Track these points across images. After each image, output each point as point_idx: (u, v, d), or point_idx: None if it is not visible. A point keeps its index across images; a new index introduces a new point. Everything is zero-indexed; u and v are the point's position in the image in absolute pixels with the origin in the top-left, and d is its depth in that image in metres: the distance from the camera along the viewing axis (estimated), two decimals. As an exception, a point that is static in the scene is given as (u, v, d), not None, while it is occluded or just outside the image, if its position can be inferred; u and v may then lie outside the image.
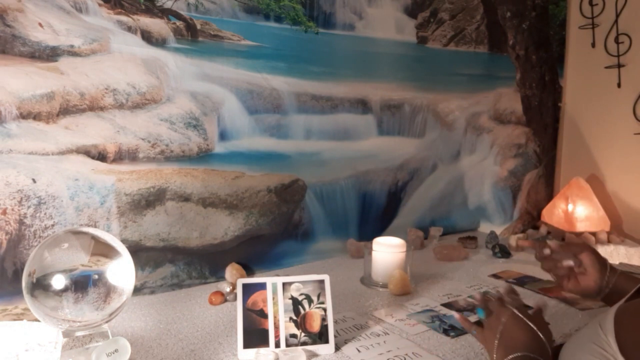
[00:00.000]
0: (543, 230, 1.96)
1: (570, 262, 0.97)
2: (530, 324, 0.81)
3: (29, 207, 1.09)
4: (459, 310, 1.14)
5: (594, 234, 1.87)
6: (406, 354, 0.93)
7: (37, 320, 0.90)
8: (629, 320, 0.69)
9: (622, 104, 1.92)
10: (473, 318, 1.09)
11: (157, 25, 1.23)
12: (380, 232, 1.67)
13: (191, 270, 1.33)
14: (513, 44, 1.96)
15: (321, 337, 0.94)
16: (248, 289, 0.95)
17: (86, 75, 1.14)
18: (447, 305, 1.18)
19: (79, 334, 0.86)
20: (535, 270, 1.37)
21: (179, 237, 1.30)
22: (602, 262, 0.96)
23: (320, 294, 0.96)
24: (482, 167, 1.96)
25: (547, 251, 1.00)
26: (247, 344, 0.92)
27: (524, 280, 1.35)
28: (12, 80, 1.05)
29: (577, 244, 1.01)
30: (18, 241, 1.09)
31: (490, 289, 1.30)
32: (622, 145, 1.94)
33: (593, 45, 2.00)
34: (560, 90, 2.13)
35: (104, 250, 0.89)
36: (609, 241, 1.86)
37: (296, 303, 0.95)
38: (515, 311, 0.83)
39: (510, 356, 0.76)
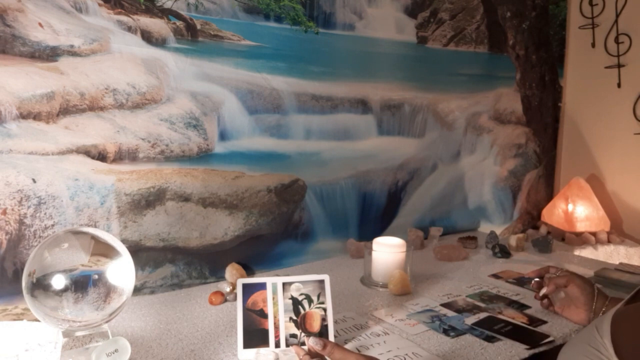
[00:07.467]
0: (543, 230, 1.96)
1: (557, 303, 1.11)
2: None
3: (29, 207, 1.09)
4: (457, 310, 1.14)
5: (594, 234, 1.87)
6: (406, 354, 0.93)
7: (37, 320, 0.90)
8: (625, 323, 0.70)
9: (622, 104, 1.92)
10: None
11: (157, 25, 1.23)
12: (380, 232, 1.67)
13: (191, 270, 1.33)
14: (513, 44, 1.96)
15: (321, 337, 0.93)
16: (248, 289, 0.95)
17: (86, 75, 1.14)
18: (447, 305, 1.18)
19: (79, 334, 0.86)
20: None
21: (179, 237, 1.30)
22: (589, 290, 1.04)
23: (320, 294, 0.96)
24: (482, 167, 1.96)
25: (545, 301, 1.13)
26: (247, 344, 0.92)
27: (523, 281, 1.35)
28: (12, 80, 1.05)
29: (562, 276, 1.08)
30: (18, 241, 1.09)
31: (490, 289, 1.30)
32: (622, 145, 1.94)
33: (593, 45, 2.00)
34: (560, 90, 2.13)
35: (104, 250, 0.89)
36: (609, 241, 1.86)
37: (296, 303, 0.95)
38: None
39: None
